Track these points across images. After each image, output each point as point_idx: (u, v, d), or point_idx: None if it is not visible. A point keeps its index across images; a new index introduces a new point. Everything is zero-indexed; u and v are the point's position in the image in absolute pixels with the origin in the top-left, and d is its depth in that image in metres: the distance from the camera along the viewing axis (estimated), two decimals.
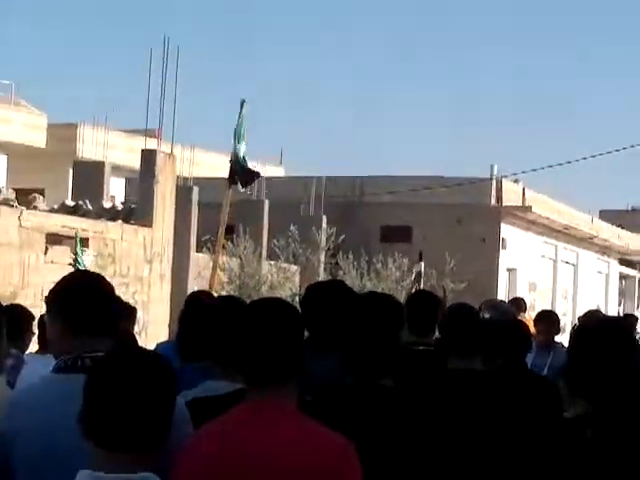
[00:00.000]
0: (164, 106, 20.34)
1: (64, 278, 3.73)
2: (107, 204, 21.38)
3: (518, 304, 11.74)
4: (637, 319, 10.78)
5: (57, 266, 16.59)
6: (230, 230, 23.67)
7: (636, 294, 39.68)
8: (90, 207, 20.35)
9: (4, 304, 5.01)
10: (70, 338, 3.36)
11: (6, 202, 18.33)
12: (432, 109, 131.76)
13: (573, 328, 6.97)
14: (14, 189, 20.14)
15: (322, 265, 24.55)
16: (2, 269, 15.45)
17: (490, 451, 4.31)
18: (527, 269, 30.33)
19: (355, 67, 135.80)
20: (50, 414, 3.17)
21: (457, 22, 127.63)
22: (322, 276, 22.07)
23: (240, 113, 15.27)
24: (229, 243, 23.56)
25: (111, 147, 25.81)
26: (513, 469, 4.30)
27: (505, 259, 29.39)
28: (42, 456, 3.20)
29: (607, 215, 35.75)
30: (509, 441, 4.40)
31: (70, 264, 16.85)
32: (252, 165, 33.45)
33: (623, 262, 38.24)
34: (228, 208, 16.57)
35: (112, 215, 19.76)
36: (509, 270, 29.41)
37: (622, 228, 36.65)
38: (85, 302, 3.40)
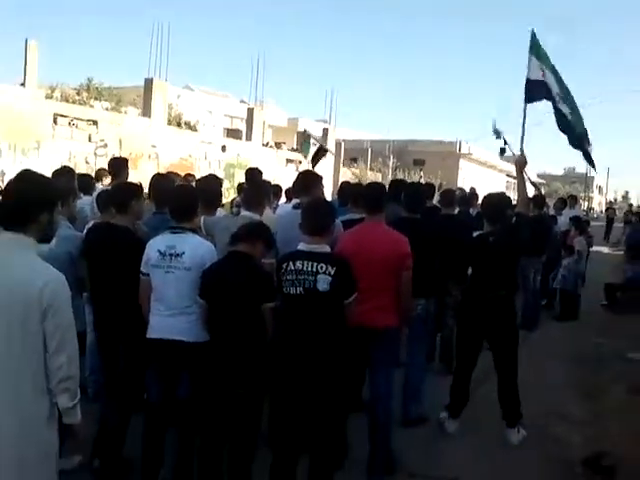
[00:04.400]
0: (331, 112, 23.80)
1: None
2: (312, 149, 23.53)
3: (472, 190, 12.24)
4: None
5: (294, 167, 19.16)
6: (355, 159, 28.18)
7: (513, 191, 41.42)
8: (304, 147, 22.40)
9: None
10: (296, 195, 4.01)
11: (271, 147, 21.69)
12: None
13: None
14: (275, 142, 23.79)
15: (389, 178, 28.25)
16: (276, 172, 15.57)
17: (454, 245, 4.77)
18: (470, 180, 33.65)
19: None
20: (289, 222, 3.83)
21: None
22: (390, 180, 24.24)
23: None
24: (355, 164, 27.69)
25: (310, 127, 27.17)
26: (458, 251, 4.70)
27: (461, 175, 34.26)
28: (286, 239, 3.88)
29: (507, 158, 36.07)
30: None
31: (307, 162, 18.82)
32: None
33: (509, 176, 43.30)
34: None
35: (318, 149, 21.21)
36: (463, 178, 34.19)
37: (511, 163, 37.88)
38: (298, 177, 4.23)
